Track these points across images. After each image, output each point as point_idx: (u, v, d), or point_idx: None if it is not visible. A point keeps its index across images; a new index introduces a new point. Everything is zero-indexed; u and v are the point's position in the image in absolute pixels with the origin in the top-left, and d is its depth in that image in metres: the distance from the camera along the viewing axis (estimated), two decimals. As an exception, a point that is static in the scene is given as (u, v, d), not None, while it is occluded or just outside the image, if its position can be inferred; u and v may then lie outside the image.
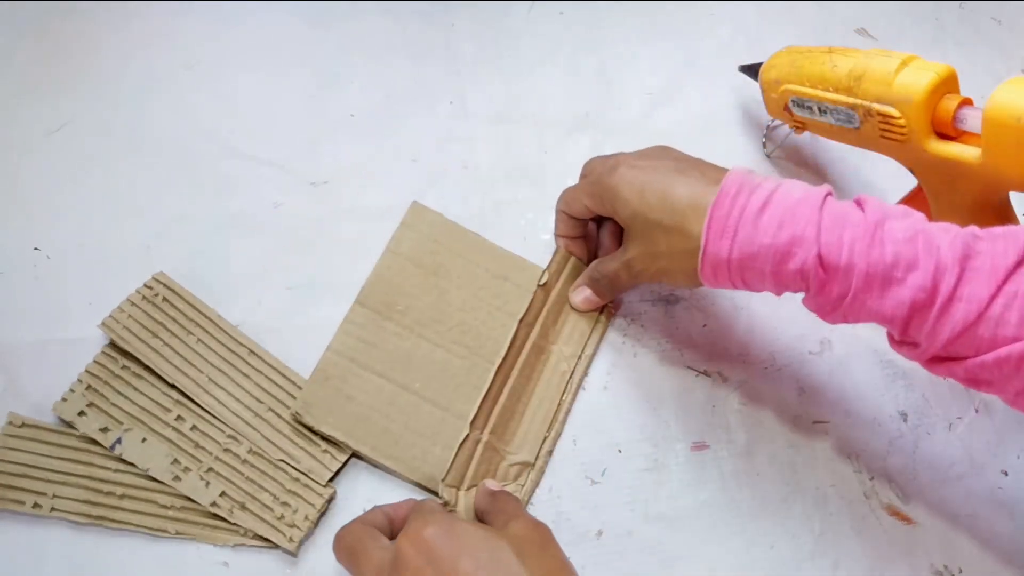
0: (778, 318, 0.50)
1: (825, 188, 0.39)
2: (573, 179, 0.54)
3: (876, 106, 0.44)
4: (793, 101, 0.49)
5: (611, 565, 0.44)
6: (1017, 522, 0.47)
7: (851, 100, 0.45)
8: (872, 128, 0.45)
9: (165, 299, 0.47)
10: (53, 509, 0.42)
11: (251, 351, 0.46)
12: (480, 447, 0.44)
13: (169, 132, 0.53)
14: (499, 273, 0.49)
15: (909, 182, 0.48)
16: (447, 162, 0.54)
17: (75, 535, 0.42)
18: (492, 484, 0.43)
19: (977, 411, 0.49)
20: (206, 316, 0.46)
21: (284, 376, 0.46)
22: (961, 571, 0.45)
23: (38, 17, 0.55)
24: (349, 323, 0.47)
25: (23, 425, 0.43)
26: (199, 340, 0.46)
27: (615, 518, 0.45)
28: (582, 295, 0.48)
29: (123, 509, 0.42)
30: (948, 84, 0.42)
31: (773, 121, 0.55)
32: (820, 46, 0.49)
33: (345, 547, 0.38)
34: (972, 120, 0.41)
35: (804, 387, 0.49)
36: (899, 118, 0.43)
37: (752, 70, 0.54)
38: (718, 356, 0.49)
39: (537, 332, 0.48)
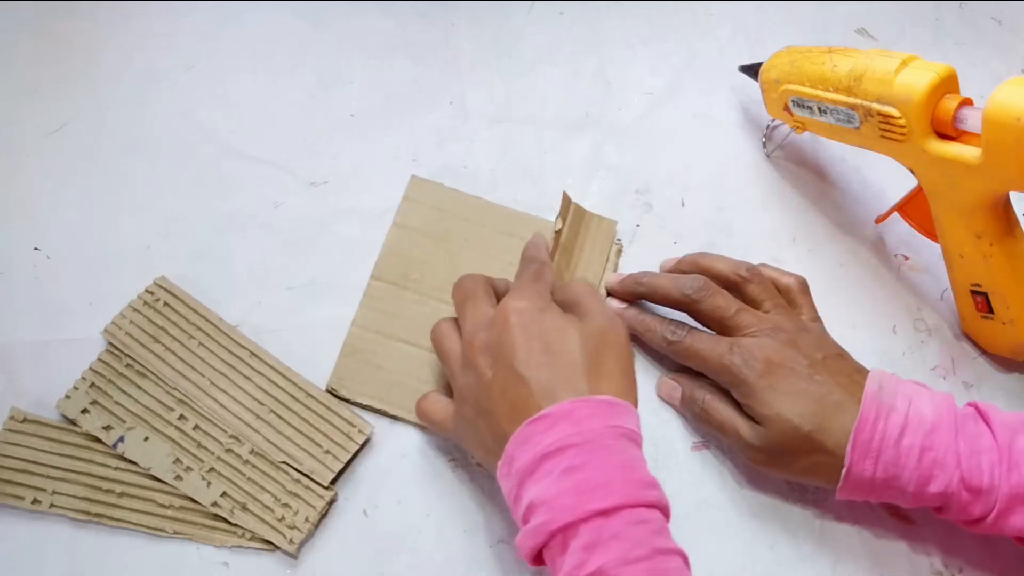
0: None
1: (949, 401, 0.41)
2: (574, 179, 0.54)
3: (876, 106, 0.44)
4: (793, 101, 0.49)
5: (611, 565, 0.44)
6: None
7: (851, 100, 0.45)
8: (872, 128, 0.45)
9: (166, 304, 0.47)
10: (52, 505, 0.42)
11: (252, 353, 0.46)
12: None
13: (169, 132, 0.53)
14: (505, 230, 0.50)
15: (909, 182, 0.48)
16: (447, 162, 0.53)
17: (75, 534, 0.42)
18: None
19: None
20: (207, 319, 0.46)
21: (285, 377, 0.46)
22: (961, 571, 0.45)
23: (38, 17, 0.55)
24: (369, 298, 0.48)
25: (25, 420, 0.43)
26: (200, 344, 0.46)
27: (615, 518, 0.44)
28: (669, 394, 0.47)
29: (122, 507, 0.42)
30: (948, 84, 0.42)
31: (773, 121, 0.55)
32: (820, 46, 0.49)
33: (462, 290, 0.44)
34: (972, 120, 0.41)
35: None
36: (899, 118, 0.43)
37: (752, 70, 0.54)
38: (718, 356, 0.49)
39: None
